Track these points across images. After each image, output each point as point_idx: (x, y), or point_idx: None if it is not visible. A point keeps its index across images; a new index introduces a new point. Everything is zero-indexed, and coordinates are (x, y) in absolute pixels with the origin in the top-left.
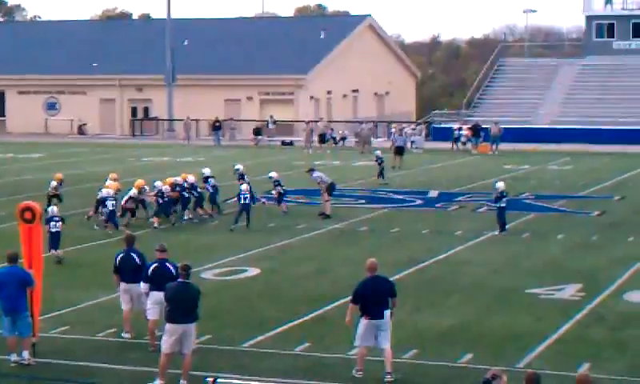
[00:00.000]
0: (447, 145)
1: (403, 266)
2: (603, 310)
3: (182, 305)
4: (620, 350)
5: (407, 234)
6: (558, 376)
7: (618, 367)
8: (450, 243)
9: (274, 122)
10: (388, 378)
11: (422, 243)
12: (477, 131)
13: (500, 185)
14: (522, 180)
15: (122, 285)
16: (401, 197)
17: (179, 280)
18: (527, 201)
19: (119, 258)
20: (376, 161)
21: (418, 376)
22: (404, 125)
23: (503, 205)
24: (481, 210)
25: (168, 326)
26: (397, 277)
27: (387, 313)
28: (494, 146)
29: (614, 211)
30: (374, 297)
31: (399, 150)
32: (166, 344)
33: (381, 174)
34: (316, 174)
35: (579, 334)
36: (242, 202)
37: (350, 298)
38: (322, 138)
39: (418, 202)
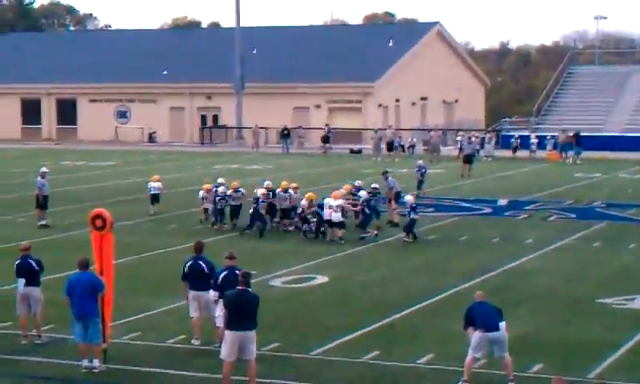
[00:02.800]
0: (519, 153)
1: (473, 275)
2: None
3: (242, 312)
4: None
5: (476, 243)
6: None
7: None
8: (519, 252)
9: (329, 130)
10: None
11: (492, 252)
12: (578, 139)
13: (409, 198)
14: (594, 188)
15: (191, 292)
16: (469, 205)
17: (238, 288)
18: (599, 209)
19: (187, 265)
20: (417, 170)
21: None
22: (473, 132)
23: (415, 217)
24: (551, 218)
25: (227, 333)
26: (466, 285)
27: (503, 324)
28: (563, 154)
29: None
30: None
31: (468, 158)
32: (226, 352)
33: (420, 184)
34: (390, 179)
35: None
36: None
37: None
38: (390, 146)
39: (487, 210)
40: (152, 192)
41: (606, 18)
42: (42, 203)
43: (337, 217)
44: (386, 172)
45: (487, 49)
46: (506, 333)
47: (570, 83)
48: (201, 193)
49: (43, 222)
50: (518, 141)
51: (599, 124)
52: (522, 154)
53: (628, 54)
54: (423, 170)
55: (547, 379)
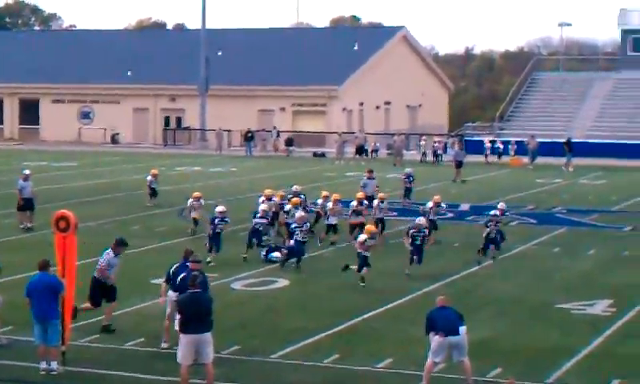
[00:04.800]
0: (480, 158)
1: (434, 280)
2: (634, 325)
3: (195, 315)
4: None
5: (438, 248)
6: None
7: None
8: (480, 257)
9: (278, 134)
10: None
11: (453, 257)
12: (570, 146)
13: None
14: (555, 194)
15: (172, 294)
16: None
17: (190, 290)
18: (559, 215)
19: (174, 267)
20: (405, 178)
21: None
22: (435, 138)
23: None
24: (512, 223)
25: (182, 337)
26: (427, 290)
27: (463, 329)
28: (531, 160)
29: None
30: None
31: (458, 164)
32: (181, 355)
33: (407, 193)
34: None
35: (610, 349)
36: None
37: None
38: (360, 150)
39: (449, 215)
40: (152, 186)
41: (570, 24)
42: (23, 206)
43: (333, 220)
44: (372, 171)
45: (451, 54)
46: (466, 337)
47: (534, 89)
48: (189, 201)
49: (26, 225)
50: (489, 146)
51: (562, 130)
52: (490, 159)
53: (591, 60)
54: (411, 178)
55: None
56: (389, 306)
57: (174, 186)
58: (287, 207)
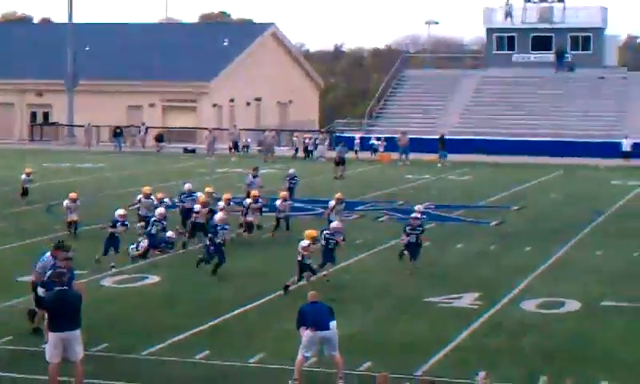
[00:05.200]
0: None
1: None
2: (501, 318)
3: (62, 312)
4: (517, 357)
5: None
6: (449, 383)
7: (515, 375)
8: (350, 252)
9: (146, 130)
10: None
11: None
12: (444, 143)
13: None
14: (423, 190)
15: (40, 290)
16: (302, 205)
17: (57, 288)
18: (427, 210)
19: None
20: (289, 179)
21: (320, 383)
22: (306, 134)
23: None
24: (381, 219)
25: (51, 335)
26: (299, 285)
27: (333, 324)
28: (403, 156)
29: (512, 221)
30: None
31: (341, 160)
32: (50, 353)
33: (291, 193)
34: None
35: (477, 342)
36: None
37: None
38: (235, 146)
39: (320, 210)
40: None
41: (437, 23)
42: None
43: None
44: (257, 169)
45: (321, 51)
46: (337, 332)
47: (402, 86)
48: (65, 203)
49: None
50: (359, 142)
51: (430, 127)
52: (360, 155)
53: (458, 58)
54: (295, 179)
55: (375, 377)
56: (260, 302)
57: (41, 183)
58: (196, 207)
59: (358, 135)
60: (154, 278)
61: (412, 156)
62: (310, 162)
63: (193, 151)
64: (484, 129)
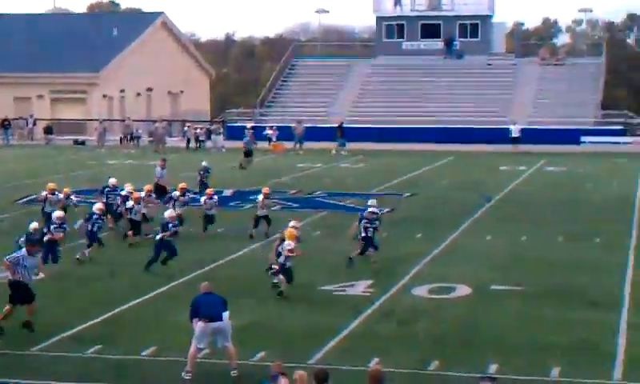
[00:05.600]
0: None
1: (200, 266)
2: (393, 305)
3: None
4: (409, 343)
5: (197, 235)
6: (350, 371)
7: (407, 360)
8: (244, 242)
9: (34, 122)
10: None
11: (218, 243)
12: (343, 131)
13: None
14: (316, 178)
15: None
16: (195, 196)
17: None
18: (320, 199)
19: None
20: (202, 173)
21: (214, 375)
22: (197, 124)
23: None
24: (274, 208)
25: None
26: (193, 276)
27: (226, 314)
28: (297, 145)
29: (404, 208)
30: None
31: (249, 152)
32: None
33: (203, 187)
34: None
35: (370, 329)
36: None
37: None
38: (131, 137)
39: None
40: None
41: (327, 11)
42: None
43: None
44: (165, 161)
45: (212, 40)
46: (230, 322)
47: (294, 75)
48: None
49: None
50: (251, 132)
51: (322, 115)
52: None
53: (349, 46)
54: (207, 173)
55: (269, 366)
56: (152, 294)
57: None
58: (129, 203)
59: (249, 125)
60: (41, 275)
61: (306, 145)
62: (200, 152)
63: (82, 143)
64: (375, 117)
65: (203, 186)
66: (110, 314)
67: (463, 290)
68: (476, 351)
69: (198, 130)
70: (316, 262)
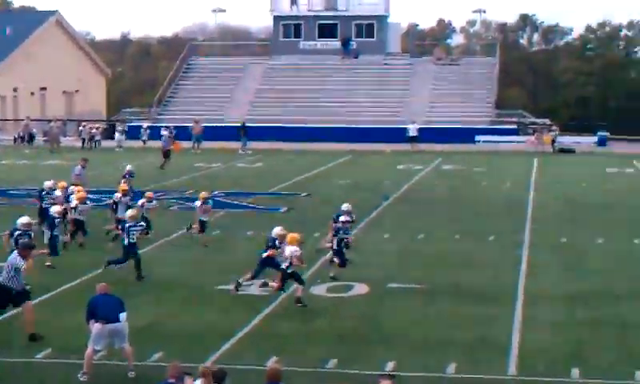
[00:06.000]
0: (139, 143)
1: (95, 267)
2: (291, 303)
3: None
4: (307, 342)
5: (96, 234)
6: (248, 370)
7: (305, 359)
8: (141, 242)
9: None
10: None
11: (115, 244)
12: (246, 130)
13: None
14: (213, 178)
15: None
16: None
17: None
18: (218, 198)
19: None
20: (126, 176)
21: (111, 377)
22: (92, 124)
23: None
24: (172, 208)
25: None
26: (88, 277)
27: (123, 316)
28: (195, 145)
29: (302, 207)
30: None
31: (167, 153)
32: None
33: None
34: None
35: (268, 328)
36: None
37: None
38: (31, 137)
39: (109, 201)
40: None
41: (224, 10)
42: None
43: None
44: (86, 160)
45: (108, 39)
46: (127, 324)
47: (190, 74)
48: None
49: None
50: (147, 131)
51: (219, 115)
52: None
53: (246, 46)
54: (132, 176)
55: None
56: (47, 296)
57: None
58: (73, 202)
59: (145, 124)
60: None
61: (204, 144)
62: (95, 152)
63: None
64: (273, 116)
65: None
66: (2, 317)
67: (361, 289)
68: (374, 349)
69: (94, 130)
70: (213, 262)
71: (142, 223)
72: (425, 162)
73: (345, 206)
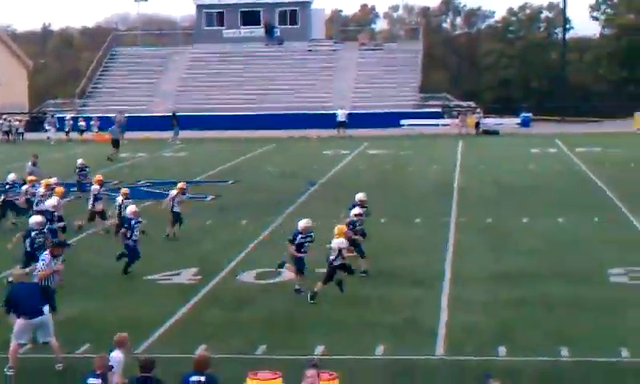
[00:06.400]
0: (62, 135)
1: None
2: (219, 291)
3: None
4: (236, 329)
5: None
6: (177, 359)
7: (234, 345)
8: (66, 234)
9: None
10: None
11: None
12: (177, 119)
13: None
14: (139, 168)
15: None
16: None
17: None
18: (144, 188)
19: None
20: (77, 171)
21: (38, 370)
22: (15, 116)
23: None
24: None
25: None
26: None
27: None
28: (120, 135)
29: (229, 195)
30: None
31: (115, 143)
32: None
33: (81, 187)
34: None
35: (197, 316)
36: None
37: None
38: None
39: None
40: None
41: (146, 0)
42: None
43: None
44: (37, 156)
45: (29, 31)
46: (50, 315)
47: (114, 65)
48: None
49: None
50: (71, 123)
51: (144, 104)
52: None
53: (170, 35)
54: (84, 171)
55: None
56: None
57: None
58: (40, 191)
59: (69, 115)
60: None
61: (128, 134)
62: (20, 144)
63: None
64: (198, 105)
65: (80, 186)
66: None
67: (290, 274)
68: (303, 334)
69: (17, 123)
70: (142, 252)
71: (141, 219)
72: (351, 146)
73: (358, 196)
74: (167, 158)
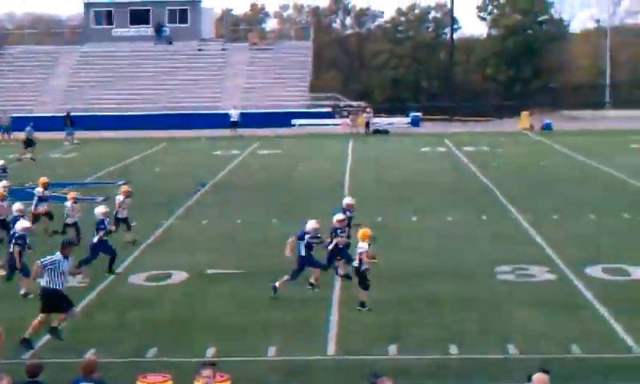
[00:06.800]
0: None
1: None
2: (108, 294)
3: None
4: (126, 332)
5: None
6: (64, 364)
7: (124, 349)
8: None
9: None
10: None
11: None
12: (72, 120)
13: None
14: (25, 169)
15: None
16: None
17: None
18: (30, 190)
19: None
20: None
21: None
22: None
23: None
24: None
25: None
26: None
27: None
28: (6, 135)
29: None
30: None
31: (30, 143)
32: None
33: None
34: None
35: (85, 320)
36: None
37: None
38: None
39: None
40: None
41: None
42: None
43: None
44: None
45: None
46: None
47: (1, 64)
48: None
49: None
50: None
51: (31, 105)
52: None
53: (58, 34)
54: (5, 172)
55: None
56: None
57: None
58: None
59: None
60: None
61: (16, 135)
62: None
63: None
64: (86, 104)
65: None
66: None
67: (180, 276)
68: (194, 336)
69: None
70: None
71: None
72: (242, 147)
73: (346, 201)
74: (56, 159)
